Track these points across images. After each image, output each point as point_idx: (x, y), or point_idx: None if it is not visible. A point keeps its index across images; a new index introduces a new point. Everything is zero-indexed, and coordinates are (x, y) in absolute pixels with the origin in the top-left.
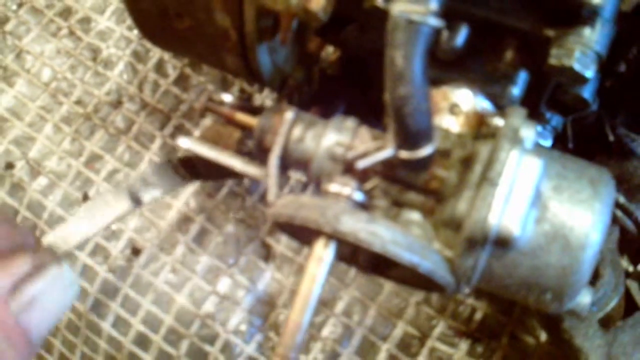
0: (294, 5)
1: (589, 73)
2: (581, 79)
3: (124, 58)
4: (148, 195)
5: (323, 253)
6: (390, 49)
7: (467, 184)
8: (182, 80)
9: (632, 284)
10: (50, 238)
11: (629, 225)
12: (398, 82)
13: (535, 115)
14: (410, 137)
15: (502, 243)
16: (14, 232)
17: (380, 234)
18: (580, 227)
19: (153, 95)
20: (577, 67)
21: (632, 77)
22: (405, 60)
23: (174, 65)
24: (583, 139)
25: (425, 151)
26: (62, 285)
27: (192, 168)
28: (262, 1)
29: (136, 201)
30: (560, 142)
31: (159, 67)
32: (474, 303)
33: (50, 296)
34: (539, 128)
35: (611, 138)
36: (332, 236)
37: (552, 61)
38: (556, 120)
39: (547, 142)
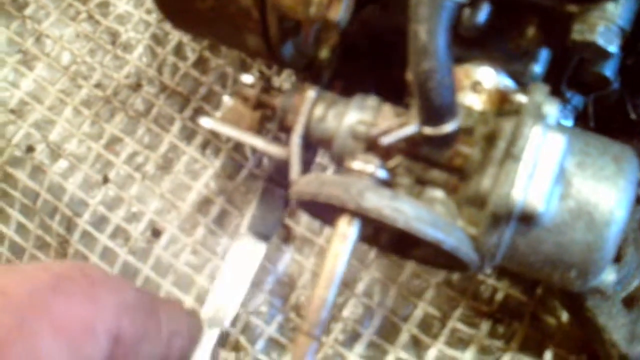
0: (313, 15)
1: (613, 48)
2: (605, 54)
3: (142, 41)
4: (269, 226)
5: (347, 230)
6: (414, 23)
7: (490, 161)
8: (201, 63)
9: None
10: (209, 313)
11: None
12: (422, 56)
13: (556, 94)
14: (434, 112)
15: (527, 219)
16: (192, 322)
17: (404, 210)
18: (604, 203)
19: (172, 78)
20: (600, 41)
21: None
22: (429, 34)
23: (192, 48)
24: (604, 118)
25: (449, 127)
26: None
27: (280, 182)
28: (283, 10)
29: (264, 237)
30: (581, 122)
31: (178, 50)
32: (495, 283)
33: None
34: (560, 107)
35: (633, 116)
36: (356, 213)
37: (575, 36)
38: (577, 99)
39: (569, 122)
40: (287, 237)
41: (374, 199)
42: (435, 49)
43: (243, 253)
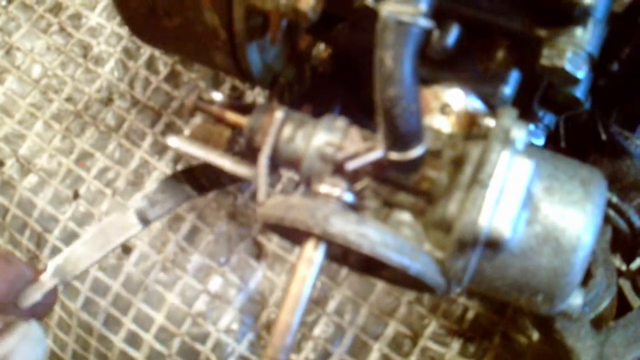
0: (282, 5)
1: (581, 74)
2: (573, 80)
3: (114, 55)
4: (155, 214)
5: (313, 254)
6: (380, 49)
7: (457, 185)
8: (173, 77)
9: (625, 284)
10: (59, 262)
11: (622, 224)
12: (387, 83)
13: (527, 113)
14: (400, 138)
15: (493, 245)
16: (8, 269)
17: (369, 235)
18: (571, 229)
19: (144, 93)
20: (568, 67)
21: (625, 77)
22: (395, 61)
23: (165, 62)
24: (576, 137)
25: (415, 152)
26: (31, 342)
27: (195, 181)
28: (251, 1)
29: (144, 221)
30: (552, 141)
31: (150, 64)
32: (466, 302)
33: (20, 354)
34: (532, 126)
35: (604, 137)
36: (321, 237)
37: (544, 62)
38: (549, 118)
39: (540, 141)
40: (259, 254)
41: (339, 224)
42: (401, 75)
43: (118, 225)
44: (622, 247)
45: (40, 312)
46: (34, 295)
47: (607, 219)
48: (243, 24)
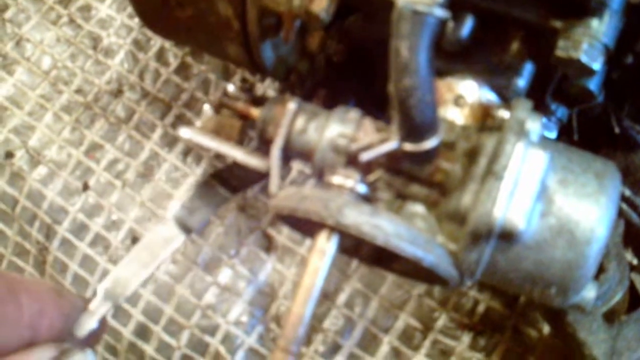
0: (296, 7)
1: (597, 65)
2: (588, 71)
3: (124, 46)
4: (195, 221)
5: (325, 246)
6: (396, 39)
7: (472, 177)
8: (183, 69)
9: (637, 278)
10: (107, 286)
11: (635, 218)
12: (403, 73)
13: (540, 106)
14: (414, 129)
15: (507, 237)
16: (62, 302)
17: (383, 227)
18: (586, 221)
19: (154, 84)
20: (584, 59)
21: (639, 69)
22: (411, 51)
23: (175, 54)
24: (589, 130)
25: (430, 143)
26: None
27: (225, 182)
28: (264, 2)
29: (186, 230)
30: (565, 134)
31: (160, 56)
32: (476, 295)
33: None
34: (544, 119)
35: (617, 130)
36: (334, 229)
37: (559, 53)
38: (562, 111)
39: (553, 134)
40: (269, 246)
41: (353, 215)
42: (417, 66)
43: (160, 238)
44: (635, 241)
45: (92, 339)
46: (89, 323)
47: (620, 213)
48: (257, 24)
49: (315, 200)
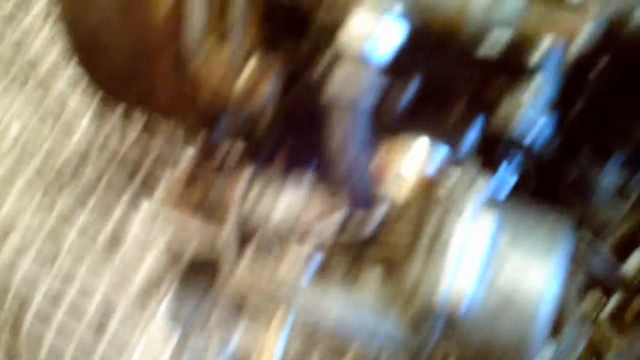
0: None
1: (539, 122)
2: (530, 130)
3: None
4: (187, 311)
5: (279, 324)
6: (330, 125)
7: (417, 252)
8: (149, 127)
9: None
10: None
11: (595, 263)
12: (340, 157)
13: (496, 153)
14: (357, 203)
15: (450, 319)
16: None
17: (331, 315)
18: (534, 285)
19: (121, 145)
20: (527, 116)
21: (590, 113)
22: (343, 139)
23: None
24: (546, 174)
25: (376, 213)
26: None
27: (200, 271)
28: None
29: (181, 321)
30: (523, 179)
31: (126, 115)
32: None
33: None
34: (504, 164)
35: (574, 174)
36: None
37: (502, 113)
38: (517, 159)
39: (512, 179)
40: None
41: (301, 303)
42: (351, 149)
43: (159, 338)
44: (599, 286)
45: None
46: None
47: (579, 261)
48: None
49: (267, 284)
